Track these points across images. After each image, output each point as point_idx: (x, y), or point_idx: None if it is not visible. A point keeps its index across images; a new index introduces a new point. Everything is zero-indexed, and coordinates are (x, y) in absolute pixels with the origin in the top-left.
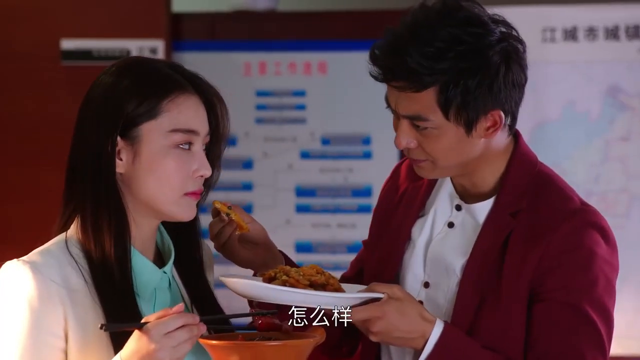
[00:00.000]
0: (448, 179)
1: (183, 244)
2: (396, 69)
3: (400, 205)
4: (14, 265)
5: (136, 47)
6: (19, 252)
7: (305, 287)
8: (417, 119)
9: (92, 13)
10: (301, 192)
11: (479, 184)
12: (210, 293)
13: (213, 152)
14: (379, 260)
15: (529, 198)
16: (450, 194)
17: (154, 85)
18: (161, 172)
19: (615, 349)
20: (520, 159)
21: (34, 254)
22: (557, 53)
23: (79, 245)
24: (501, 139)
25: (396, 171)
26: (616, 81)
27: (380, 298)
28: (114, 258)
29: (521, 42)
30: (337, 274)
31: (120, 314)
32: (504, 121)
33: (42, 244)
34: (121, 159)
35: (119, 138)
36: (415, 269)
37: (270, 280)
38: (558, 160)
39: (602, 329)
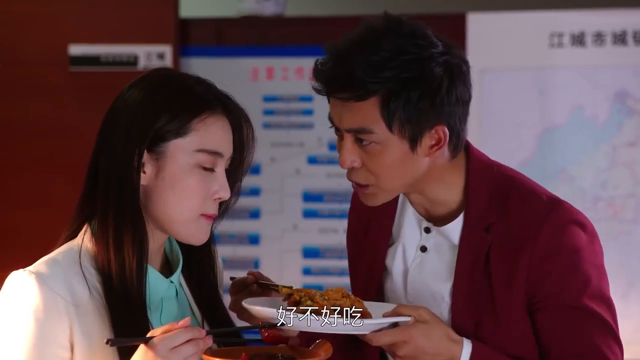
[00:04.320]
0: (408, 203)
1: (193, 252)
2: (341, 79)
3: (369, 235)
4: (20, 275)
5: (144, 52)
6: (27, 257)
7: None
8: (361, 132)
9: (100, 19)
10: (308, 197)
11: (437, 202)
12: (219, 302)
13: (234, 177)
14: (362, 291)
15: (497, 208)
16: (416, 217)
17: (186, 103)
18: (182, 190)
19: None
20: (476, 168)
21: (40, 264)
22: (565, 58)
23: (91, 257)
24: (445, 156)
25: (355, 199)
26: (624, 86)
27: (407, 321)
28: (133, 273)
29: (465, 61)
30: (345, 280)
31: (129, 329)
32: (447, 138)
33: (50, 250)
34: (144, 172)
35: (145, 151)
36: (398, 299)
37: (294, 304)
38: (565, 165)
39: (606, 317)
